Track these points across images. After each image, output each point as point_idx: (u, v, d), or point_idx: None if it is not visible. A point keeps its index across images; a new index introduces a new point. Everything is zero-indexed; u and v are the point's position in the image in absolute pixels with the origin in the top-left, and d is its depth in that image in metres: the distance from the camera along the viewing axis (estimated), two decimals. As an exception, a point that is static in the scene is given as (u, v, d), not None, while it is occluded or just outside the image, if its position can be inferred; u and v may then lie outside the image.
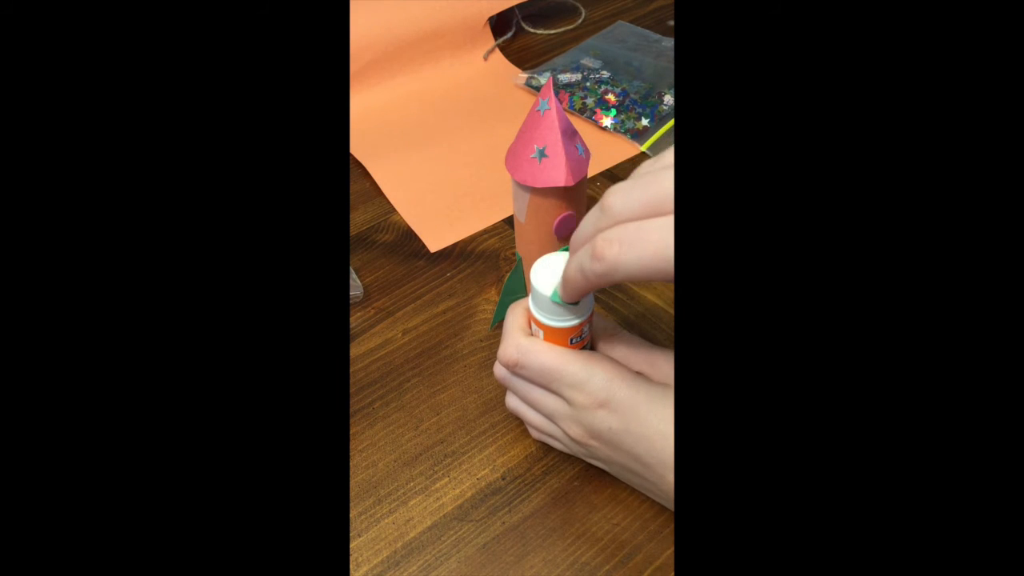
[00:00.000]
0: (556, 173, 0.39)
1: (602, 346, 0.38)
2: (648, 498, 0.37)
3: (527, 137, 0.40)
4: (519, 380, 0.37)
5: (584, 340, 0.37)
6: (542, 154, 0.39)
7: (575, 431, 0.35)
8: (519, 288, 0.48)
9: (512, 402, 0.39)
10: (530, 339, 0.36)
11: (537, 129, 0.39)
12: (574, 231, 0.44)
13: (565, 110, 0.67)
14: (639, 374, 0.35)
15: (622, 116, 0.65)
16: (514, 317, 0.37)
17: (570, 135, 0.40)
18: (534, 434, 0.39)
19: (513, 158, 0.41)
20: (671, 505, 0.35)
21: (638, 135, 0.63)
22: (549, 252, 0.44)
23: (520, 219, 0.44)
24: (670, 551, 0.36)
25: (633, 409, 0.33)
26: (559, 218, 0.42)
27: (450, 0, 0.72)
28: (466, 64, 0.74)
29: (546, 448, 0.41)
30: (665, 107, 0.66)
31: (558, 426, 0.36)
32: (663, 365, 0.36)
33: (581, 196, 0.43)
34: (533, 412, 0.37)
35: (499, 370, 0.38)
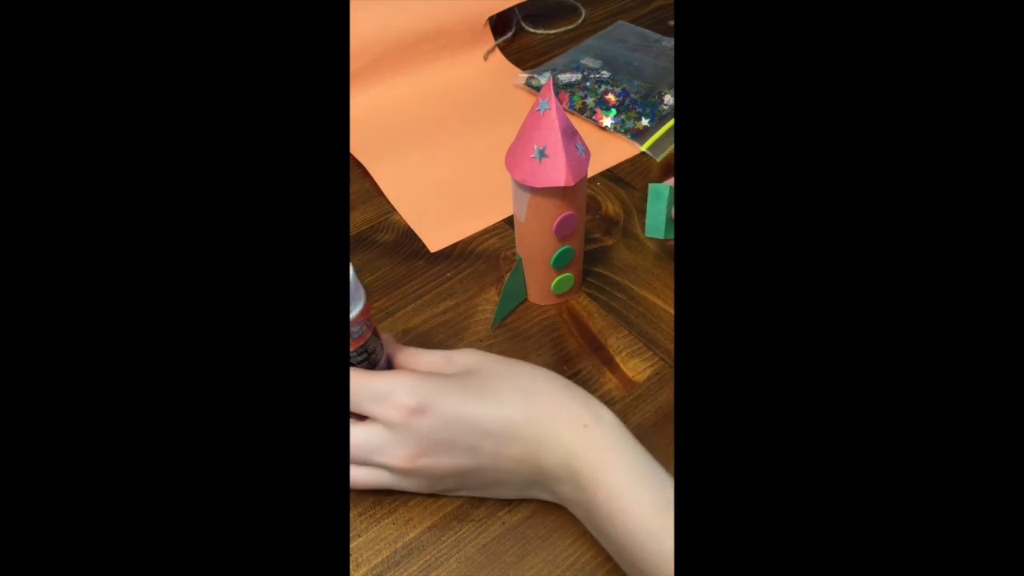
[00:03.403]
0: (556, 173, 0.39)
1: (399, 361, 0.39)
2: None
3: (527, 137, 0.40)
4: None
5: (364, 336, 0.36)
6: (542, 154, 0.39)
7: (400, 455, 0.33)
8: (519, 288, 0.48)
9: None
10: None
11: (537, 129, 0.39)
12: (574, 232, 0.44)
13: (565, 110, 0.67)
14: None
15: (622, 116, 0.65)
16: None
17: (570, 135, 0.40)
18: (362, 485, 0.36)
19: (513, 158, 0.41)
20: (510, 492, 0.36)
21: (638, 135, 0.63)
22: (549, 252, 0.45)
23: (520, 219, 0.44)
24: (670, 551, 0.36)
25: (446, 401, 0.33)
26: (559, 218, 0.42)
27: (450, 0, 0.72)
28: (466, 64, 0.74)
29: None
30: (665, 107, 0.65)
31: (381, 464, 0.34)
32: (456, 357, 0.37)
33: (581, 196, 0.43)
34: (354, 469, 0.35)
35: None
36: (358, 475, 0.35)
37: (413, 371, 0.35)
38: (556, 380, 0.36)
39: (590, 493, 0.32)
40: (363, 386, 0.34)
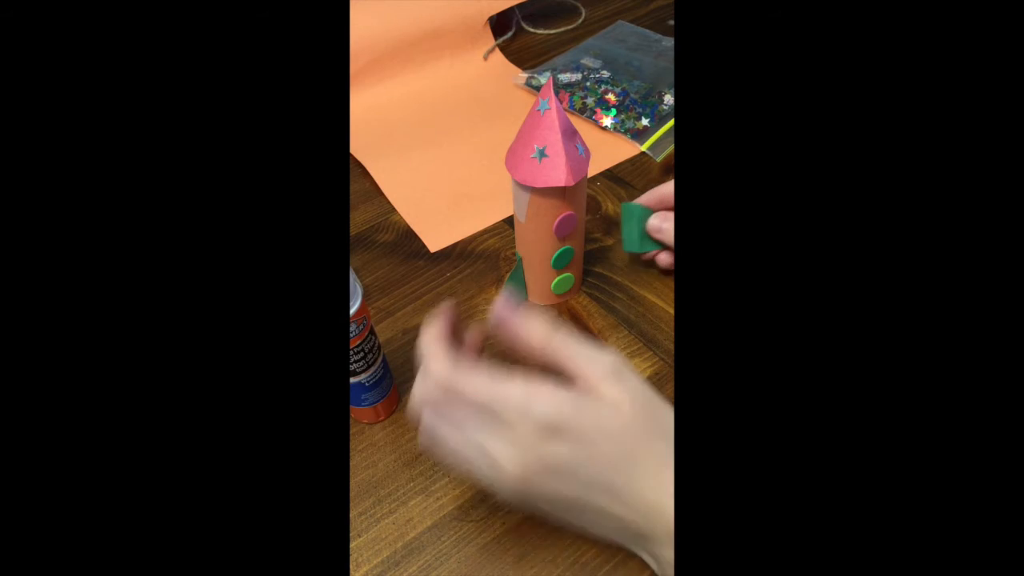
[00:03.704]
0: (556, 173, 0.39)
1: (550, 343, 0.33)
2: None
3: (527, 137, 0.40)
4: (451, 410, 0.32)
5: (360, 335, 0.37)
6: (542, 154, 0.39)
7: (515, 466, 0.30)
8: (519, 288, 0.48)
9: (443, 432, 0.32)
10: (461, 364, 0.32)
11: (537, 129, 0.39)
12: (574, 232, 0.44)
13: (565, 110, 0.67)
14: (573, 384, 0.32)
15: (622, 116, 0.65)
16: (430, 337, 0.33)
17: (570, 135, 0.40)
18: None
19: (513, 158, 0.41)
20: (624, 541, 0.33)
21: (638, 135, 0.63)
22: (549, 252, 0.45)
23: (520, 219, 0.44)
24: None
25: (586, 432, 0.30)
26: (559, 218, 0.42)
27: (450, 0, 0.72)
28: (466, 64, 0.74)
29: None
30: (665, 107, 0.66)
31: (495, 463, 0.31)
32: (596, 369, 0.31)
33: (581, 196, 0.43)
34: (465, 444, 0.32)
35: (425, 393, 0.32)
36: (473, 460, 0.32)
37: (546, 382, 0.31)
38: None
39: None
40: (497, 390, 0.31)
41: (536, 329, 0.33)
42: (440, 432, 0.32)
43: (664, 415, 0.32)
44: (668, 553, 0.31)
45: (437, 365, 0.32)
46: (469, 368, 0.32)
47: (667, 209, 0.49)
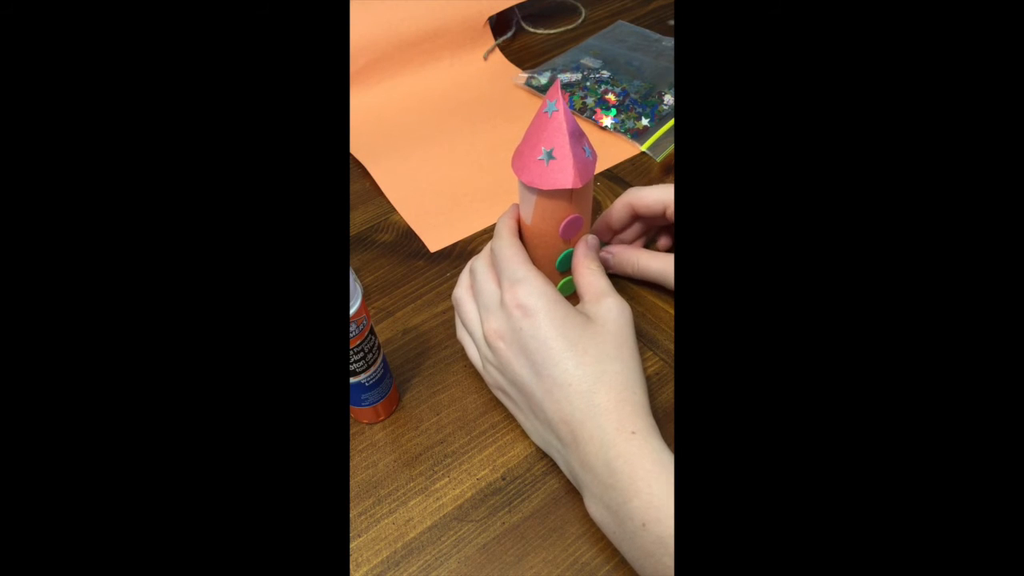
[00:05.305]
0: (563, 175, 0.39)
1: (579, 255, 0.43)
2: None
3: (534, 139, 0.40)
4: (481, 267, 0.41)
5: (360, 335, 0.37)
6: (549, 156, 0.39)
7: (491, 325, 0.39)
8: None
9: (460, 292, 0.43)
10: (512, 236, 0.41)
11: (545, 131, 0.39)
12: (579, 234, 0.44)
13: (565, 110, 0.67)
14: (574, 306, 0.39)
15: (622, 116, 0.65)
16: (508, 219, 0.43)
17: (577, 137, 0.40)
18: (460, 336, 0.44)
19: (520, 160, 0.41)
20: (537, 438, 0.39)
21: (638, 135, 0.63)
22: (555, 254, 0.44)
23: (526, 221, 0.44)
24: (670, 551, 0.36)
25: (546, 325, 0.36)
26: (565, 220, 0.42)
27: (450, 0, 0.72)
28: (466, 64, 0.74)
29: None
30: (665, 107, 0.66)
31: (481, 320, 0.40)
32: (607, 297, 0.39)
33: (587, 198, 0.43)
34: (471, 303, 0.41)
35: (474, 261, 0.43)
36: (467, 316, 0.42)
37: (548, 281, 0.39)
38: (636, 381, 0.36)
39: (623, 496, 0.32)
40: (511, 260, 0.39)
41: (579, 250, 0.43)
42: (463, 276, 0.43)
43: (625, 346, 0.38)
44: (587, 477, 0.35)
45: (497, 227, 0.42)
46: (507, 238, 0.41)
47: (611, 235, 0.50)
